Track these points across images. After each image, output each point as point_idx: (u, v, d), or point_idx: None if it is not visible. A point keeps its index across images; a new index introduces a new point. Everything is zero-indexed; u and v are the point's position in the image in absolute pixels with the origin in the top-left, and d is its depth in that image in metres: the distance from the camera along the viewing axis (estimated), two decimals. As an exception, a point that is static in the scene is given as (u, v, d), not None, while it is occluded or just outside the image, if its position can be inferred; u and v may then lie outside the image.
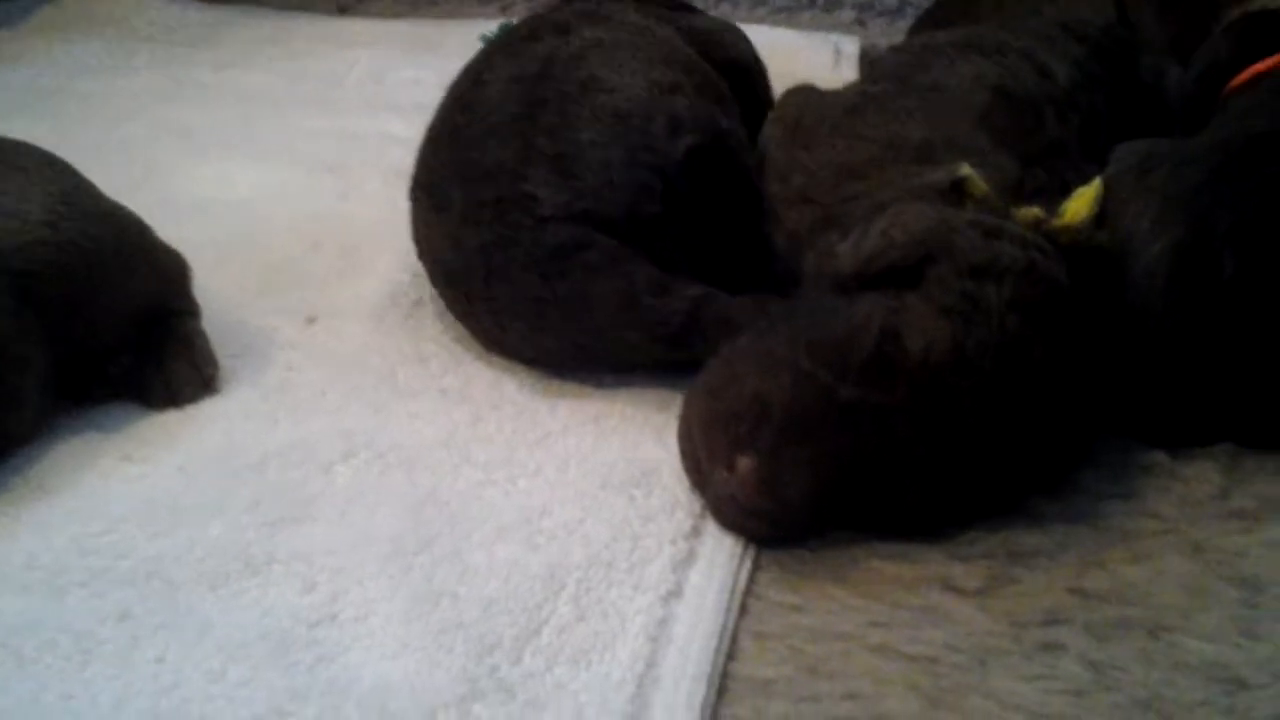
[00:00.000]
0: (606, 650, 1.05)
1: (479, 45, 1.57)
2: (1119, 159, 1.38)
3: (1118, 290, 1.27)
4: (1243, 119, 1.40)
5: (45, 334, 1.26)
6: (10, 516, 1.19)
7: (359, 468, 1.25)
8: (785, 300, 1.29)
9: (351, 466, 1.26)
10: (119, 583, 1.11)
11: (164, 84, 2.11)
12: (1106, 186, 1.30)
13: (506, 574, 1.12)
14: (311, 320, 1.48)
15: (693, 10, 1.78)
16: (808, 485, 1.11)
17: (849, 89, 1.54)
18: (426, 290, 1.49)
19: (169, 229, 1.43)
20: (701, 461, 1.17)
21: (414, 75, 2.04)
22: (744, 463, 1.11)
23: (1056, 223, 1.25)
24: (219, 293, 1.47)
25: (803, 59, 2.04)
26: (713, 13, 1.89)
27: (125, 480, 1.24)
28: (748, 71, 1.64)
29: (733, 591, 1.11)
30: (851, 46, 2.17)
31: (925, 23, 1.97)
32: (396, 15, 2.40)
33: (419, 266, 1.48)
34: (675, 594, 1.11)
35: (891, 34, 2.20)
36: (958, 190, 1.26)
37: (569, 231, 1.31)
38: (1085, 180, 1.31)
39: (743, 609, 1.10)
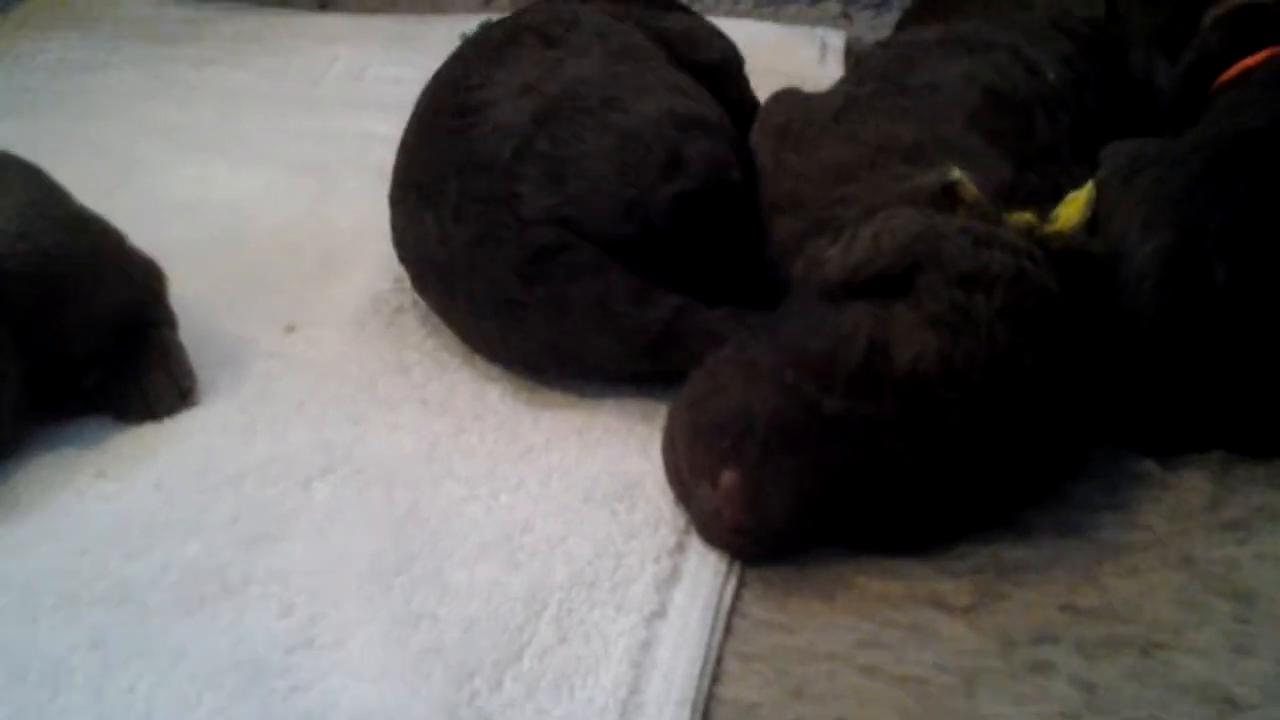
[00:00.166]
0: (589, 675, 1.03)
1: (459, 42, 1.55)
2: (1108, 159, 1.37)
3: (1109, 296, 1.25)
4: (1232, 115, 1.39)
5: (16, 346, 1.24)
6: (-18, 536, 1.17)
7: (338, 484, 1.23)
8: (768, 313, 1.26)
9: (330, 482, 1.24)
10: (92, 606, 1.09)
11: (145, 82, 2.09)
12: (1097, 189, 1.28)
13: (487, 594, 1.11)
14: (291, 329, 1.46)
15: (669, 7, 1.74)
16: (793, 499, 1.09)
17: (836, 91, 1.52)
18: (408, 297, 1.47)
19: (148, 232, 1.41)
20: (685, 476, 1.15)
21: (395, 72, 2.01)
22: (728, 477, 1.09)
23: (1048, 229, 1.24)
24: (197, 299, 1.45)
25: (788, 54, 2.02)
26: (695, 8, 1.85)
27: (100, 498, 1.22)
28: (722, 72, 1.61)
29: (717, 611, 1.10)
30: (837, 40, 2.14)
31: (912, 16, 1.94)
32: (377, 10, 2.37)
33: (401, 272, 1.46)
34: (659, 614, 1.09)
35: (878, 27, 2.18)
36: (949, 194, 1.24)
37: (550, 234, 1.30)
38: (1077, 183, 1.30)
39: (728, 629, 1.09)
